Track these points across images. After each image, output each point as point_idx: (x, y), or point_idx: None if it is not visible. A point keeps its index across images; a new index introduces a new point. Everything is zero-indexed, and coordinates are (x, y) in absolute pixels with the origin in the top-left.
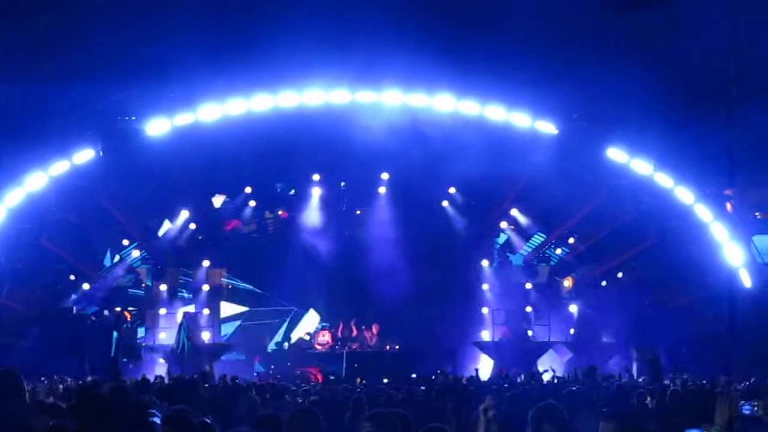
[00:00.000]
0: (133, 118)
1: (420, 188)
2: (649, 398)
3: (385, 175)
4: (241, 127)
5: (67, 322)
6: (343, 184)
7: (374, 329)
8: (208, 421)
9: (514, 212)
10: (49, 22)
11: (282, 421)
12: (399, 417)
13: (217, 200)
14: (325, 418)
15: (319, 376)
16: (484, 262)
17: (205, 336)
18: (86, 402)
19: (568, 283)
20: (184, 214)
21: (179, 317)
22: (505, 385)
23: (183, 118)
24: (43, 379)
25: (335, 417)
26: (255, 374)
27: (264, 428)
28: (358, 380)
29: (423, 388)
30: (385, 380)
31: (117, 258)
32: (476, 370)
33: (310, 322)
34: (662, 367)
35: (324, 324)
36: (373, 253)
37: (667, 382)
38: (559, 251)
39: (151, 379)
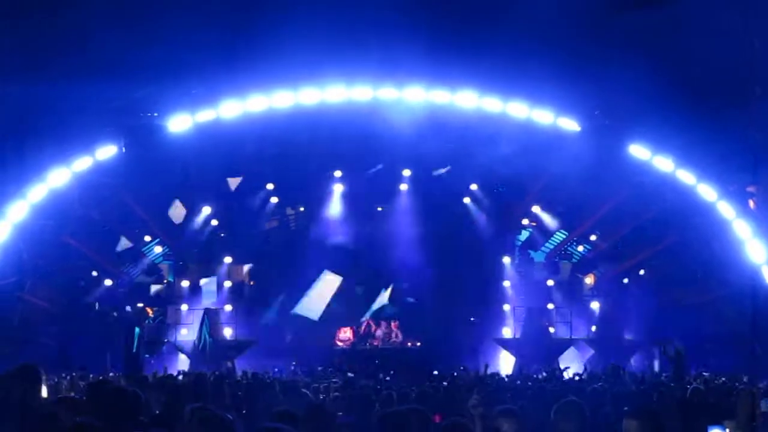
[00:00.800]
0: (155, 114)
1: (442, 185)
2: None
3: (406, 172)
4: (263, 123)
5: (90, 318)
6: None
7: (393, 326)
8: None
9: (536, 209)
10: (71, 19)
11: (297, 417)
12: (413, 413)
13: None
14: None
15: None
16: (506, 259)
17: (227, 332)
18: (98, 396)
19: (589, 280)
20: (206, 211)
21: (201, 313)
22: (529, 383)
23: (204, 115)
24: (64, 374)
25: (361, 413)
26: (276, 370)
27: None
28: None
29: (445, 384)
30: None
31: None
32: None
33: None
34: (685, 362)
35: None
36: (394, 250)
37: (689, 378)
38: (581, 248)
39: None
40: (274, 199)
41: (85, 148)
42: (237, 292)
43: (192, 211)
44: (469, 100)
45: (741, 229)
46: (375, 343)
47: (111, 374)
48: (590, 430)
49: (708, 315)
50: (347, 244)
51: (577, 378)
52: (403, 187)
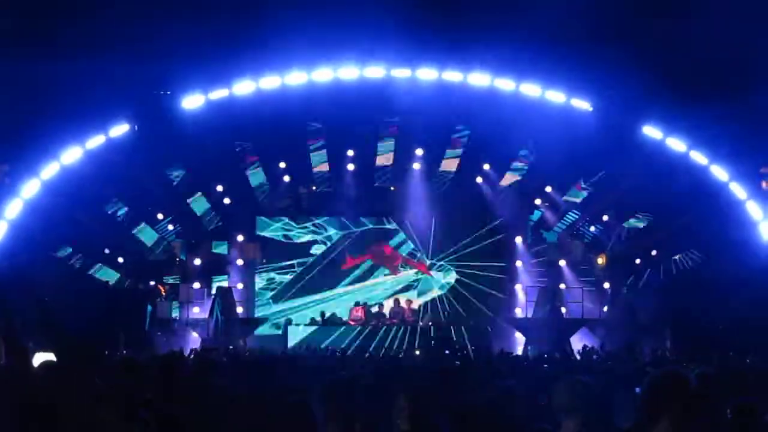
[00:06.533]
0: (168, 92)
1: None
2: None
3: (419, 151)
4: (276, 102)
5: (101, 295)
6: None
7: (409, 304)
8: None
9: (548, 189)
10: None
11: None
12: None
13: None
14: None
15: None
16: (518, 239)
17: (239, 310)
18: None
19: (601, 260)
20: (219, 189)
21: (213, 291)
22: (545, 366)
23: (218, 93)
24: None
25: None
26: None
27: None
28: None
29: (458, 363)
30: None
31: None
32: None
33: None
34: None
35: None
36: (406, 230)
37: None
38: (593, 229)
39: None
40: (286, 178)
41: (99, 126)
42: (249, 270)
43: (205, 189)
44: (481, 80)
45: (753, 210)
46: (389, 322)
47: (125, 352)
48: (599, 411)
49: (720, 295)
50: (360, 224)
51: (595, 357)
52: (416, 166)
